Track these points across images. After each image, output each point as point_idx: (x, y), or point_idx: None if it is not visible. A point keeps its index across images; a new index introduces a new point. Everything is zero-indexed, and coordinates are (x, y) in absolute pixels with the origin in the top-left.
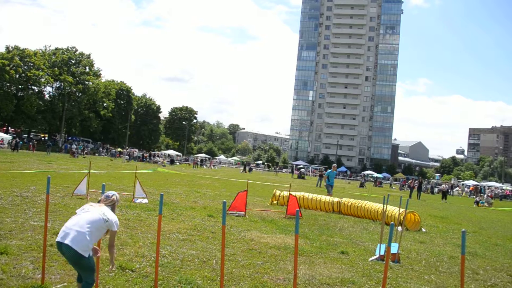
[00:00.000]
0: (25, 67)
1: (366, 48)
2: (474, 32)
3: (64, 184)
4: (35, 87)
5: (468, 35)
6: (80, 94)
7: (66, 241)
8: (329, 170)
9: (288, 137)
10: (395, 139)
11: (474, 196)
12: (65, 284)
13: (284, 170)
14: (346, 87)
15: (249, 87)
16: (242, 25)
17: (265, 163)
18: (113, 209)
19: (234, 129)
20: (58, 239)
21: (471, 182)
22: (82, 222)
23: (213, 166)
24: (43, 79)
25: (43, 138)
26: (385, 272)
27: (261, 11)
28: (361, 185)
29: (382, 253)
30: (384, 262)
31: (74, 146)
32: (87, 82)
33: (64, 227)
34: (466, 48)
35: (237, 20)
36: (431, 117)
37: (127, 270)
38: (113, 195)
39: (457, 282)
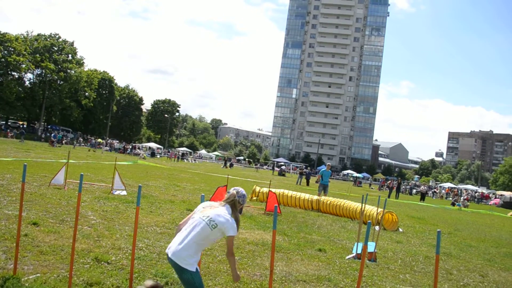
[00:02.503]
0: (5, 52)
1: (351, 48)
2: (457, 38)
3: (41, 173)
4: (15, 73)
5: (451, 41)
6: (62, 82)
7: (169, 254)
8: (323, 169)
9: (270, 134)
10: (376, 140)
11: (451, 198)
12: (38, 275)
13: (265, 167)
14: (329, 87)
15: (233, 82)
16: (229, 20)
17: (246, 159)
18: (233, 208)
19: (216, 124)
20: (167, 250)
21: (448, 185)
22: (186, 231)
23: (194, 160)
24: (23, 65)
25: (21, 126)
26: (360, 270)
27: (249, 7)
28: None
29: (359, 251)
30: (361, 260)
31: (53, 135)
32: (69, 70)
33: (174, 239)
34: (449, 54)
35: (224, 15)
36: (412, 120)
37: (102, 262)
38: (235, 190)
39: (431, 281)
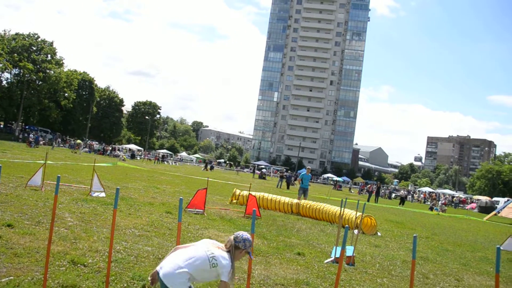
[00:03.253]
0: None
1: (332, 52)
2: (436, 45)
3: (18, 174)
4: None
5: (430, 47)
6: (41, 82)
7: (160, 273)
8: (303, 173)
9: (251, 137)
10: (356, 144)
11: (429, 203)
12: (12, 277)
13: (245, 170)
14: (311, 90)
15: (215, 85)
16: (212, 23)
17: (227, 162)
18: (231, 256)
19: (197, 127)
20: (157, 268)
21: (427, 189)
22: (182, 256)
23: (174, 162)
24: (0, 65)
25: None
26: (338, 274)
27: (231, 11)
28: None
29: (337, 255)
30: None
31: (35, 136)
32: (48, 71)
33: (168, 257)
34: (428, 60)
35: (207, 18)
36: (392, 124)
37: (79, 265)
38: (233, 235)
39: (408, 285)
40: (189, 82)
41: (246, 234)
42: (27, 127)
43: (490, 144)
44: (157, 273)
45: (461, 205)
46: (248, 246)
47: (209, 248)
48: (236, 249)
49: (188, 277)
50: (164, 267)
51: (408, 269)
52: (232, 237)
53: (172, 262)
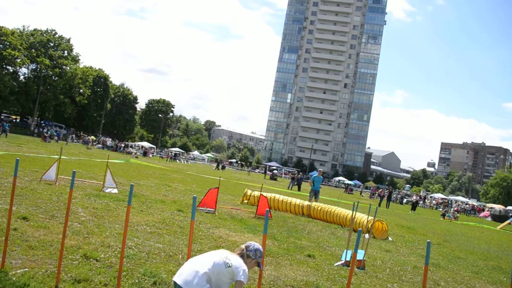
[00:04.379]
0: (1, 45)
1: (347, 55)
2: (452, 50)
3: (33, 168)
4: (10, 67)
5: (446, 52)
6: (57, 78)
7: (178, 281)
8: (314, 175)
9: (263, 137)
10: (368, 148)
11: (441, 209)
12: (26, 269)
13: (257, 170)
14: (324, 93)
15: (228, 85)
16: (226, 23)
17: (239, 162)
18: (244, 261)
19: (210, 126)
20: (174, 278)
21: (439, 195)
22: (200, 262)
23: (186, 161)
24: (19, 60)
25: (14, 120)
26: (349, 278)
27: (246, 11)
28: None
29: (348, 258)
30: (350, 267)
31: (57, 132)
32: (64, 67)
33: (182, 267)
34: (443, 65)
35: (221, 18)
36: (405, 129)
37: (91, 259)
38: (245, 245)
39: None
40: (202, 81)
41: (257, 245)
42: (42, 122)
43: (506, 152)
44: (175, 283)
45: (473, 212)
46: (259, 256)
47: (224, 253)
48: (247, 258)
49: (207, 279)
50: (183, 274)
51: (419, 275)
52: (243, 246)
53: (190, 268)
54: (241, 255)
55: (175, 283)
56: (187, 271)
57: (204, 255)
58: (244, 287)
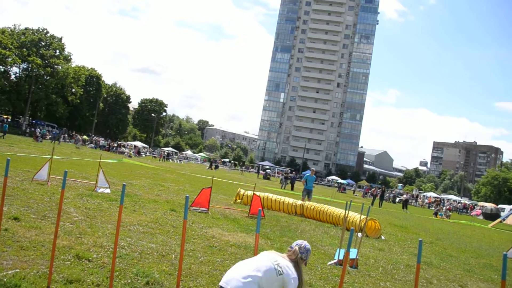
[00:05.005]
0: None
1: (340, 55)
2: (444, 50)
3: (25, 168)
4: (1, 67)
5: (438, 52)
6: (48, 77)
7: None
8: (307, 174)
9: (256, 137)
10: (361, 147)
11: (434, 208)
12: (17, 270)
13: (250, 170)
14: (317, 92)
15: (221, 84)
16: (219, 23)
17: (232, 162)
18: (296, 266)
19: (203, 125)
20: (222, 284)
21: (431, 194)
22: (249, 268)
23: (179, 160)
24: (9, 59)
25: (5, 120)
26: (342, 276)
27: (239, 10)
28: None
29: (341, 257)
30: (342, 266)
31: (38, 130)
32: (56, 66)
33: (229, 272)
34: (435, 64)
35: (214, 17)
36: (398, 128)
37: (83, 260)
38: (297, 245)
39: None
40: (195, 81)
41: (306, 243)
42: (34, 121)
43: (497, 151)
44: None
45: (465, 211)
46: (308, 256)
47: (274, 257)
48: (301, 260)
49: (258, 287)
50: (231, 282)
51: (411, 274)
52: (296, 248)
53: (239, 274)
54: (295, 258)
55: None
56: (236, 277)
57: (254, 259)
58: None
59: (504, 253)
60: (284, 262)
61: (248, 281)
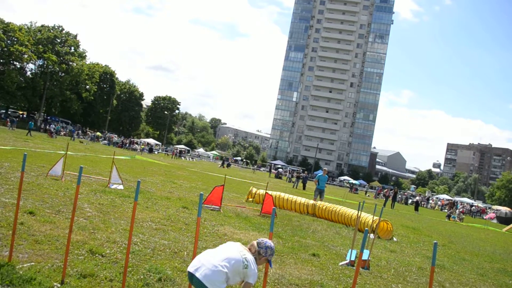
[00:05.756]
0: (8, 41)
1: (354, 54)
2: (458, 51)
3: (39, 163)
4: (17, 63)
5: (452, 53)
6: (63, 74)
7: (197, 275)
8: (319, 174)
9: (269, 136)
10: (374, 147)
11: (446, 210)
12: (33, 263)
13: (262, 169)
14: (330, 92)
15: (234, 83)
16: (233, 21)
17: (244, 160)
18: (255, 260)
19: (215, 123)
20: (191, 269)
21: (444, 196)
22: (219, 257)
23: (191, 158)
24: (26, 56)
25: (21, 115)
26: (355, 277)
27: (253, 9)
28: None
29: (352, 258)
30: (354, 267)
31: (53, 126)
32: (71, 63)
33: (198, 258)
34: (449, 65)
35: (228, 16)
36: (411, 129)
37: (97, 255)
38: (257, 241)
39: None
40: (208, 79)
41: (269, 242)
42: (48, 117)
43: None
44: (192, 274)
45: (478, 214)
46: (269, 254)
47: (242, 250)
48: (258, 254)
49: (225, 278)
50: (201, 268)
51: (424, 276)
52: (255, 243)
53: (209, 263)
54: (254, 252)
55: (191, 274)
56: (205, 264)
57: (223, 248)
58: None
59: None
60: (249, 256)
61: (218, 270)
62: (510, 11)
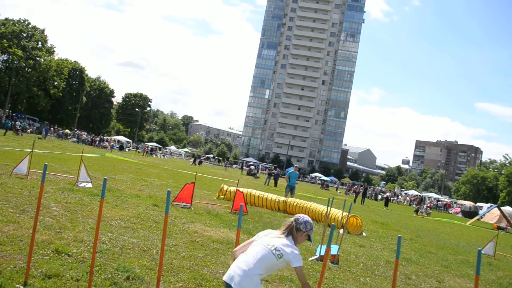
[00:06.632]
0: None
1: (326, 52)
2: (426, 50)
3: (3, 161)
4: None
5: (421, 52)
6: (30, 70)
7: (233, 284)
8: (290, 171)
9: (241, 133)
10: (345, 144)
11: (415, 205)
12: None
13: (234, 166)
14: (302, 89)
15: (207, 80)
16: (206, 18)
17: (216, 157)
18: (293, 238)
19: (187, 121)
20: (226, 279)
21: (413, 192)
22: (249, 260)
23: (163, 156)
24: None
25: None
26: (322, 272)
27: (226, 7)
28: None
29: (322, 253)
30: (323, 262)
31: (18, 123)
32: (38, 58)
33: (232, 266)
34: (419, 64)
35: (201, 13)
36: (381, 126)
37: (63, 254)
38: (294, 217)
39: (391, 285)
40: (181, 76)
41: (307, 217)
42: (14, 114)
43: (477, 151)
44: (228, 285)
45: (446, 209)
46: (309, 228)
47: (268, 242)
48: (297, 231)
49: (261, 278)
50: (234, 277)
51: (391, 270)
52: (292, 219)
53: (240, 269)
54: (289, 229)
55: (228, 284)
56: (237, 271)
57: (251, 250)
58: (219, 281)
59: (479, 249)
60: (279, 242)
61: (249, 275)
62: (475, 12)
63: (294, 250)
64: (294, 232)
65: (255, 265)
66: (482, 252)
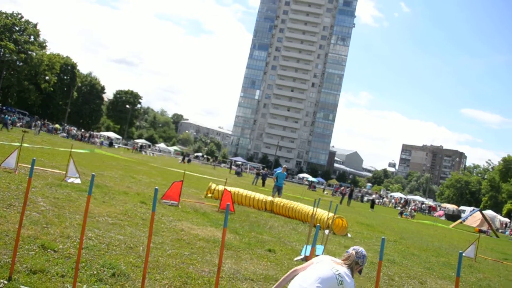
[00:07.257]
0: None
1: (316, 55)
2: (415, 56)
3: None
4: None
5: (409, 58)
6: (21, 63)
7: None
8: (278, 171)
9: (230, 132)
10: (333, 146)
11: (400, 208)
12: None
13: (222, 165)
14: (292, 91)
15: (198, 79)
16: (199, 18)
17: (205, 156)
18: (351, 272)
19: (177, 119)
20: None
21: (398, 195)
22: (311, 279)
23: (152, 153)
24: None
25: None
26: None
27: (218, 7)
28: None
29: (307, 254)
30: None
31: (8, 117)
32: (30, 52)
33: (293, 283)
34: (407, 69)
35: (194, 12)
36: (369, 130)
37: (49, 250)
38: (354, 250)
39: (374, 286)
40: (172, 74)
41: (364, 251)
42: (4, 108)
43: (461, 155)
44: None
45: (430, 212)
46: (365, 263)
47: (333, 266)
48: (355, 264)
49: None
50: None
51: (375, 271)
52: (353, 252)
53: (306, 284)
54: (349, 262)
55: None
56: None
57: (315, 268)
58: (204, 279)
59: (460, 252)
60: (342, 270)
61: None
62: (463, 19)
63: (352, 282)
64: (353, 264)
65: (317, 283)
66: (464, 254)
